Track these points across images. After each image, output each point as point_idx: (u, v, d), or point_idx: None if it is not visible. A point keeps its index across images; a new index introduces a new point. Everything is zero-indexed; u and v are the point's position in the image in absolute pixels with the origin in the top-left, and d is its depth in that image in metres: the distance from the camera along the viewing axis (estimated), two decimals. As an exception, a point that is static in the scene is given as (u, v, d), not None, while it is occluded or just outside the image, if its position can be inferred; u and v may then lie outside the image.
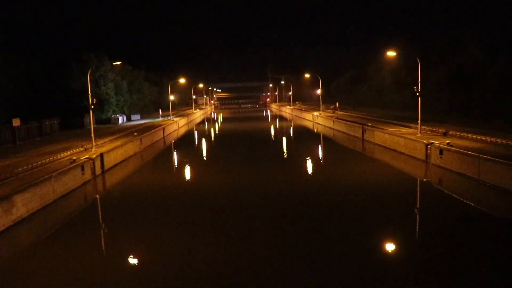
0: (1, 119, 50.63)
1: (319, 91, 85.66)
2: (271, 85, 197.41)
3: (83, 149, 37.59)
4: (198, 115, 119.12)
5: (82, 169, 30.59)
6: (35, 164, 29.56)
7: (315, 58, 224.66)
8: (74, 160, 30.50)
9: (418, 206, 25.38)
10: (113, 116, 78.93)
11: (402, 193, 27.65)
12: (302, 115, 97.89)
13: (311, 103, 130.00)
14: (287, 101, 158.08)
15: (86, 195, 29.89)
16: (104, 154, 35.47)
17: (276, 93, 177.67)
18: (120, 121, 78.75)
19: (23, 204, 22.21)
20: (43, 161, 30.95)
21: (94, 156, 33.42)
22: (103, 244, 20.19)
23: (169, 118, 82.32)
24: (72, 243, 19.92)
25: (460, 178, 29.39)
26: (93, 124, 38.32)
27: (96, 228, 22.56)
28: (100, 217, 25.11)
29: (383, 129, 46.88)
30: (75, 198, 28.03)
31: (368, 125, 51.14)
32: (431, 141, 34.81)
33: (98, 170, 34.01)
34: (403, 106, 74.94)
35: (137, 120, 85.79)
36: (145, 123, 73.34)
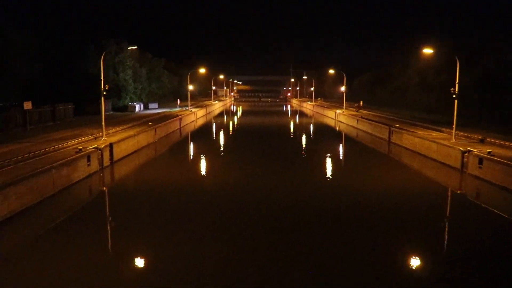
0: (15, 101, 48.87)
1: (342, 88, 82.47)
2: (292, 80, 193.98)
3: (92, 137, 35.50)
4: (217, 106, 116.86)
5: (88, 159, 28.41)
6: (38, 152, 27.42)
7: (337, 55, 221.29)
8: (80, 149, 28.33)
9: (450, 220, 22.48)
10: (130, 103, 77.09)
11: (433, 205, 24.78)
12: (324, 112, 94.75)
13: (332, 100, 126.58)
14: (308, 97, 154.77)
15: (91, 189, 27.72)
16: (114, 144, 33.30)
17: (297, 88, 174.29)
18: (137, 109, 76.87)
19: (17, 198, 20.05)
20: (47, 149, 28.83)
21: (102, 146, 31.23)
22: (105, 242, 18.24)
23: (186, 108, 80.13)
24: (71, 240, 17.93)
25: (503, 193, 26.24)
26: (104, 112, 36.11)
27: (99, 225, 20.46)
28: (104, 213, 22.79)
29: (412, 132, 43.77)
30: (77, 192, 25.79)
31: (395, 127, 48.02)
32: (468, 148, 31.70)
33: (106, 161, 31.84)
34: (429, 109, 71.48)
35: (154, 109, 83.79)
36: (162, 113, 71.29)
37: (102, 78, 34.76)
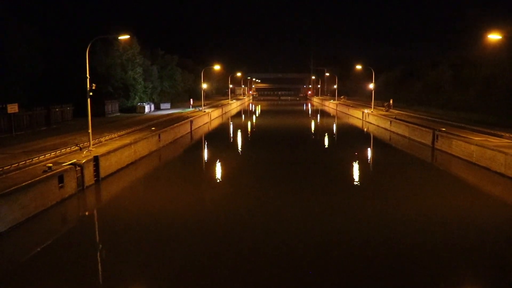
0: (18, 102, 42.95)
1: (371, 86, 74.89)
2: (313, 77, 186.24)
3: (78, 148, 29.26)
4: (234, 106, 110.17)
5: (61, 180, 22.06)
6: (-8, 172, 21.17)
7: (360, 50, 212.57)
8: (50, 167, 21.93)
9: None
10: (139, 104, 71.09)
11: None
12: (349, 111, 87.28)
13: (357, 98, 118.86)
14: (330, 95, 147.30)
15: (63, 218, 21.39)
16: (100, 157, 26.89)
17: (319, 86, 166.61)
18: (147, 110, 70.88)
19: None
20: (6, 167, 22.31)
21: (83, 161, 24.85)
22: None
23: (200, 109, 73.64)
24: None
25: None
26: (90, 116, 29.75)
27: (61, 277, 14.02)
28: (72, 256, 16.17)
29: (463, 137, 36.44)
30: (37, 228, 19.11)
31: (441, 130, 40.63)
32: (553, 162, 24.44)
33: (90, 180, 25.49)
34: (467, 107, 63.77)
35: (166, 109, 77.67)
36: (172, 114, 64.97)
37: (88, 75, 28.51)
